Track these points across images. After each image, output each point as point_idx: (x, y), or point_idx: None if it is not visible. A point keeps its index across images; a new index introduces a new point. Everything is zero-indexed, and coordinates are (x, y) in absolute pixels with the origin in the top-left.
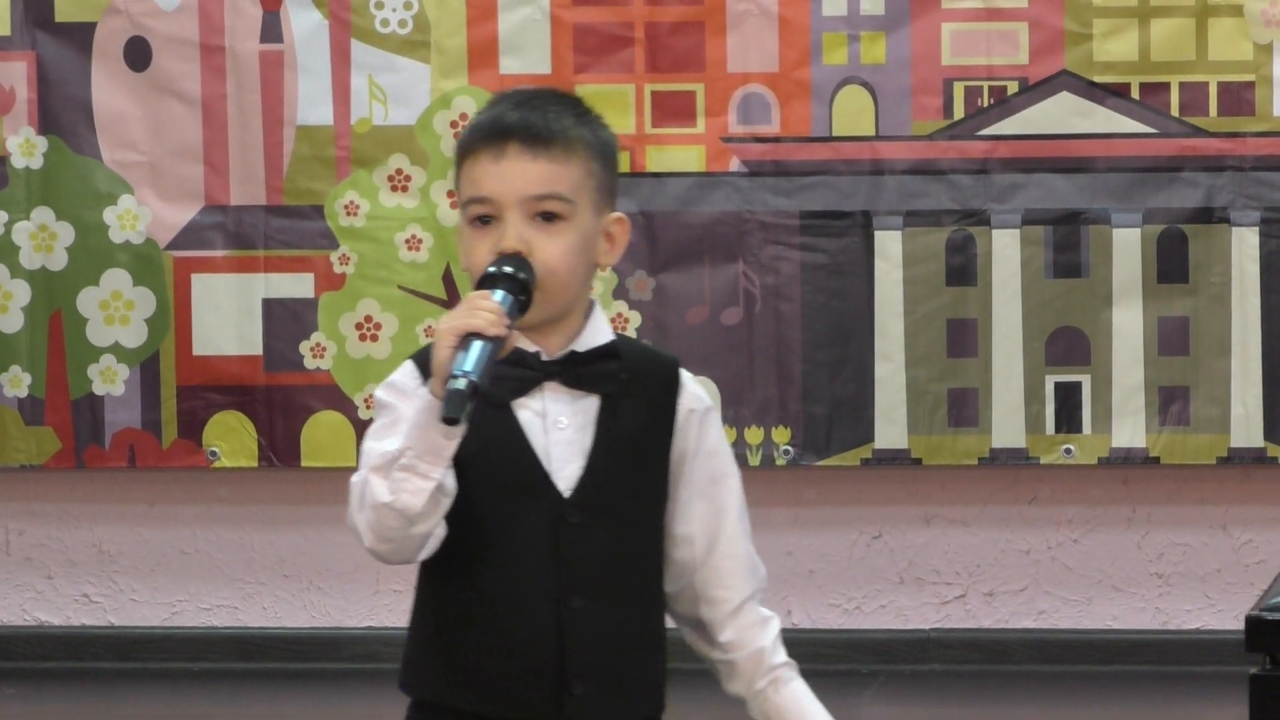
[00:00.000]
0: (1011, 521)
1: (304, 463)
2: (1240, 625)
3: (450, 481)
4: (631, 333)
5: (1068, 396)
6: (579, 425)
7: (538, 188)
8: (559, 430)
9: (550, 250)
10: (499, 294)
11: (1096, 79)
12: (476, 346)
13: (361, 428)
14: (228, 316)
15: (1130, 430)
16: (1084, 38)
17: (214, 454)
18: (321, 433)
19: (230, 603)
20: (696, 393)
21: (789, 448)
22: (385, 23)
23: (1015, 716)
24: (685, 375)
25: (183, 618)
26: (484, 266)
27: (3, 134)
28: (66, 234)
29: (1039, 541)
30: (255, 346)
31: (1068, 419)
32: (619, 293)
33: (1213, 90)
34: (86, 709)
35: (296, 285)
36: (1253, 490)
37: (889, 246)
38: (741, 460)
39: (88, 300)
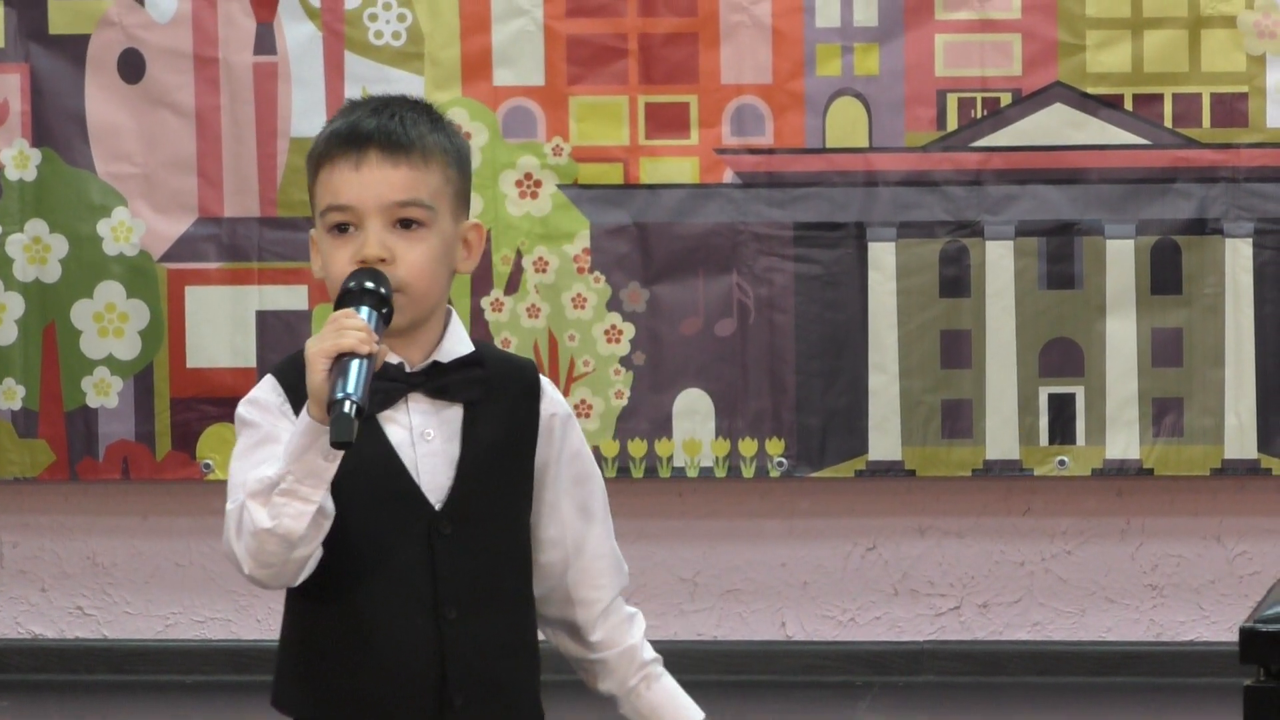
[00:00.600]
0: (1005, 533)
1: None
2: (1234, 637)
3: (329, 504)
4: (626, 345)
5: (1061, 408)
6: (446, 436)
7: (399, 194)
8: (427, 442)
9: (412, 257)
10: (364, 311)
11: (1090, 90)
12: (354, 366)
13: None
14: (222, 329)
15: (1124, 441)
16: (1077, 49)
17: (208, 466)
18: None
19: (224, 615)
20: (555, 397)
21: (783, 459)
22: (379, 35)
23: None
24: (545, 381)
25: (177, 630)
26: (344, 275)
27: None
28: (60, 246)
29: (1033, 553)
30: (249, 359)
31: (1061, 430)
32: (613, 304)
33: (1206, 101)
34: None
35: (290, 297)
36: (1247, 502)
37: (883, 258)
38: (735, 472)
39: (81, 312)
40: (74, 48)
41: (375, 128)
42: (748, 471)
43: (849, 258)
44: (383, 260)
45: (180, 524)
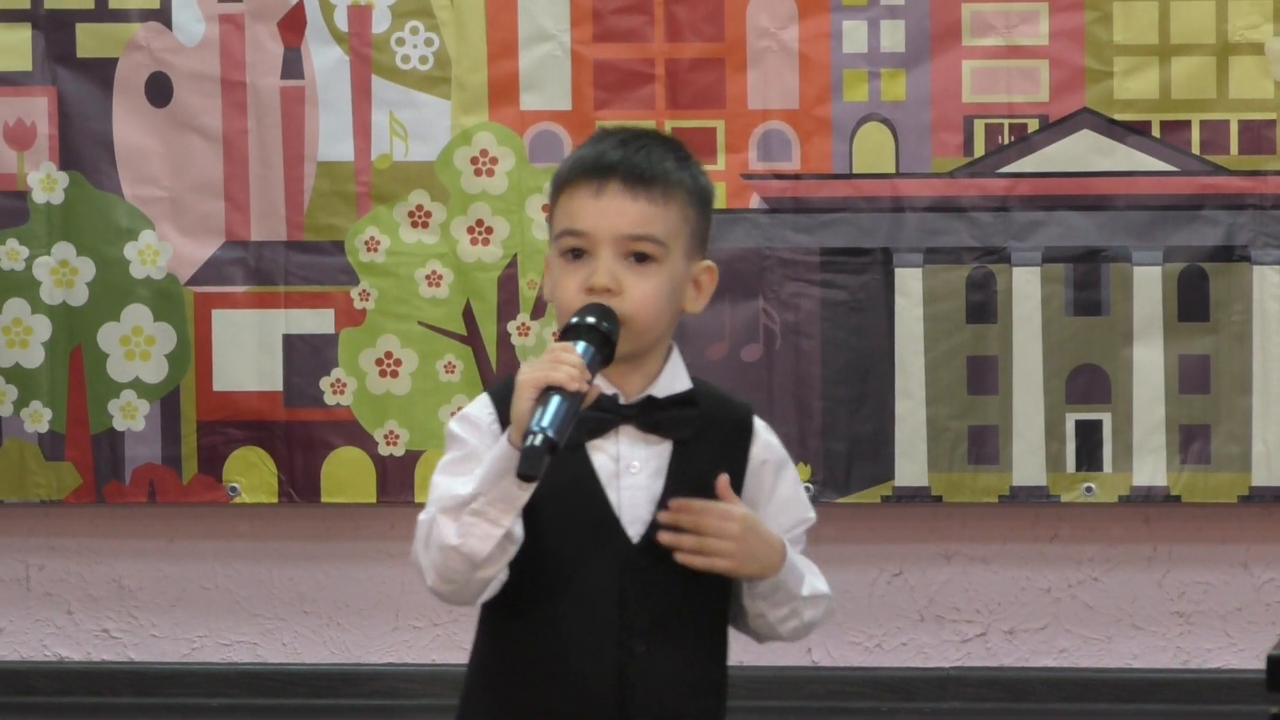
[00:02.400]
0: (1032, 559)
1: (324, 498)
2: (1262, 664)
3: (518, 529)
4: None
5: (1088, 434)
6: (651, 470)
7: (634, 227)
8: (631, 475)
9: (640, 290)
10: (581, 346)
11: (1117, 117)
12: (555, 402)
13: (381, 464)
14: (248, 352)
15: (1151, 468)
16: (1104, 75)
17: (234, 490)
18: (341, 469)
19: (250, 638)
20: (769, 441)
21: (809, 485)
22: (406, 59)
23: None
24: (759, 424)
25: (202, 653)
26: (572, 300)
27: (24, 169)
28: (87, 269)
29: (1059, 579)
30: (275, 382)
31: (1088, 457)
32: None
33: (1234, 128)
34: None
35: (317, 321)
36: (1274, 529)
37: (909, 283)
38: None
39: (108, 335)
40: (101, 71)
41: (620, 159)
42: None
43: (875, 283)
44: (609, 290)
45: (206, 547)
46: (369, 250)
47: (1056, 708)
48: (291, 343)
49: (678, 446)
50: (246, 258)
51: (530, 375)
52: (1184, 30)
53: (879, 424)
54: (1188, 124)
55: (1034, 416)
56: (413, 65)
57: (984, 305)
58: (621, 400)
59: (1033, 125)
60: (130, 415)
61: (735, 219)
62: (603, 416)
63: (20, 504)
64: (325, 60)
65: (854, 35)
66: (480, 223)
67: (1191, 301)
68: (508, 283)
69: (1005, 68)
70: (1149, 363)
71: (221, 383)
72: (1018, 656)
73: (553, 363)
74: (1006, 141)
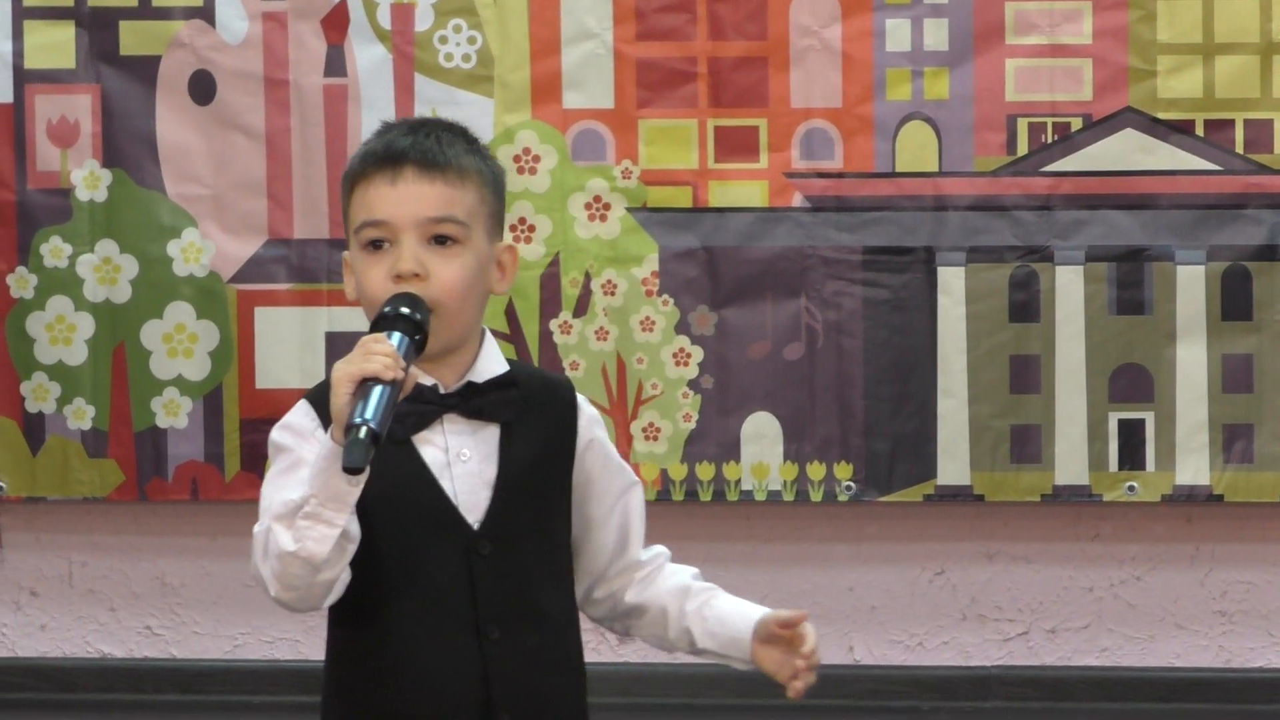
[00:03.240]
0: (1074, 558)
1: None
2: None
3: (354, 527)
4: (694, 368)
5: (1131, 433)
6: (482, 456)
7: (434, 210)
8: (463, 463)
9: (447, 274)
10: (395, 337)
11: (1160, 116)
12: (375, 392)
13: None
14: (291, 350)
15: (1194, 467)
16: (1148, 74)
17: None
18: None
19: (292, 636)
20: (592, 414)
21: (851, 484)
22: (449, 57)
23: None
24: (580, 398)
25: (245, 651)
26: (378, 291)
27: (67, 167)
28: (130, 267)
29: (1102, 579)
30: (318, 379)
31: (1131, 456)
32: (681, 327)
33: (1278, 127)
34: None
35: (359, 318)
36: None
37: (952, 282)
38: (803, 496)
39: (151, 333)
40: (145, 69)
41: (411, 145)
42: (816, 495)
43: (918, 282)
44: (416, 275)
45: (248, 545)
46: None
47: (1098, 707)
48: (334, 340)
49: (505, 429)
50: (289, 255)
51: (344, 370)
52: (1228, 29)
53: (921, 423)
54: (1231, 123)
55: (1076, 415)
56: (455, 63)
57: (1027, 304)
58: (441, 390)
59: (1076, 124)
60: (173, 413)
61: (778, 218)
62: (425, 409)
63: (63, 501)
64: (368, 58)
65: (897, 34)
66: (522, 221)
67: (1235, 301)
68: (550, 281)
69: (1049, 66)
70: (1192, 362)
71: (264, 380)
72: (1060, 656)
73: (365, 355)
74: (1050, 140)
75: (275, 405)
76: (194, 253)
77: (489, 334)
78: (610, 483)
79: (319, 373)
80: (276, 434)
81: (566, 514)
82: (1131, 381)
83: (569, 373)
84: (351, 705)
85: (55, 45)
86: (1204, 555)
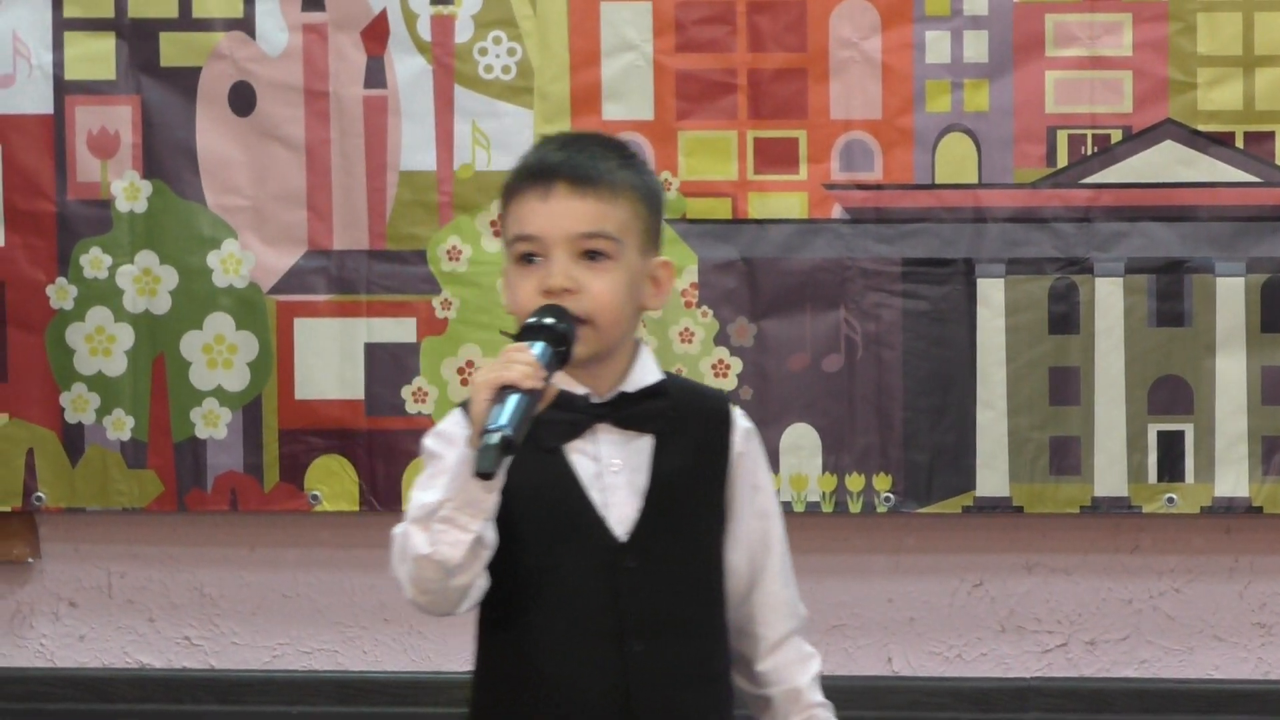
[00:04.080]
0: (1113, 570)
1: (405, 507)
2: None
3: (490, 534)
4: (733, 379)
5: (1170, 445)
6: (633, 466)
7: (585, 225)
8: (613, 474)
9: (598, 288)
10: (537, 347)
11: (1200, 128)
12: (512, 400)
13: None
14: (330, 361)
15: (1233, 479)
16: (1188, 86)
17: (315, 498)
18: None
19: (331, 646)
20: (747, 428)
21: (890, 495)
22: (489, 69)
23: None
24: (736, 411)
25: (283, 661)
26: (529, 304)
27: (107, 178)
28: (170, 278)
29: (1141, 590)
30: (357, 390)
31: (1170, 468)
32: (720, 339)
33: None
34: None
35: (399, 330)
36: None
37: (991, 294)
38: (842, 507)
39: (190, 344)
40: (185, 80)
41: (563, 160)
42: (854, 507)
43: (957, 294)
44: (567, 290)
45: (288, 555)
46: (451, 259)
47: (1137, 718)
48: (373, 351)
49: (658, 441)
50: (329, 267)
51: (484, 377)
52: (1269, 41)
53: (960, 434)
54: (1272, 135)
55: (1116, 427)
56: (495, 75)
57: (1066, 316)
58: (594, 399)
59: (1116, 136)
60: (212, 423)
61: (817, 229)
62: (577, 417)
63: (102, 511)
64: (408, 70)
65: (937, 46)
66: None
67: (1275, 312)
68: None
69: (1088, 79)
70: (1231, 374)
71: (303, 391)
72: (1099, 667)
73: (505, 362)
74: (1089, 152)
75: (315, 416)
76: (233, 264)
77: (644, 345)
78: (749, 500)
79: (359, 384)
80: (428, 440)
81: (719, 529)
82: (1171, 393)
83: None
84: (495, 708)
85: (96, 56)
86: (1243, 567)
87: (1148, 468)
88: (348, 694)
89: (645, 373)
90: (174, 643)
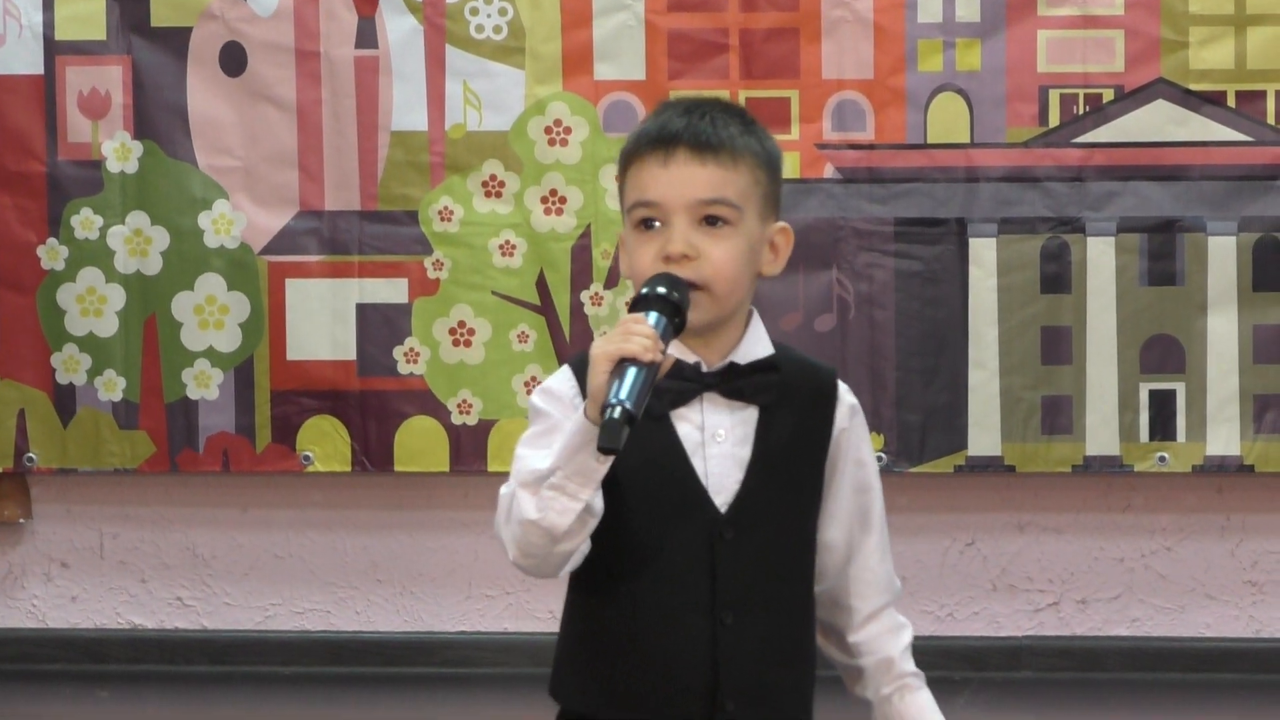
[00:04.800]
0: (1105, 529)
1: (397, 467)
2: None
3: (598, 503)
4: None
5: (1162, 404)
6: (738, 438)
7: (705, 192)
8: (717, 443)
9: (717, 255)
10: (653, 317)
11: (1192, 87)
12: (631, 374)
13: (454, 433)
14: (322, 321)
15: (1225, 438)
16: (1180, 45)
17: (307, 458)
18: (414, 438)
19: (323, 607)
20: (852, 404)
21: (882, 454)
22: (480, 29)
23: None
24: (842, 387)
25: (275, 622)
26: (649, 270)
27: (98, 138)
28: (161, 238)
29: (1132, 549)
30: (349, 351)
31: (1162, 427)
32: None
33: None
34: (179, 712)
35: (390, 290)
36: None
37: (983, 254)
38: None
39: (182, 305)
40: (176, 41)
41: (684, 127)
42: None
43: (950, 254)
44: (686, 257)
45: (280, 516)
46: (443, 220)
47: (1129, 677)
48: (365, 312)
49: (763, 413)
50: (320, 227)
51: (604, 348)
52: (1260, 0)
53: (953, 394)
54: (1263, 94)
55: (1108, 387)
56: (487, 35)
57: (1058, 276)
58: (704, 368)
59: (1108, 95)
60: (204, 384)
61: (809, 189)
62: (685, 385)
63: (94, 472)
64: (399, 30)
65: (929, 5)
66: (554, 193)
67: (1266, 271)
68: (581, 253)
69: (1081, 38)
70: (1223, 333)
71: (295, 352)
72: (1090, 626)
73: (625, 334)
74: (1081, 112)
75: (306, 377)
76: (225, 224)
77: (757, 315)
78: (849, 476)
79: (350, 344)
80: (537, 397)
81: (816, 504)
82: (1163, 352)
83: None
84: (581, 668)
85: (86, 16)
86: (1235, 526)
87: (1139, 427)
88: (340, 654)
89: (757, 344)
90: (166, 603)
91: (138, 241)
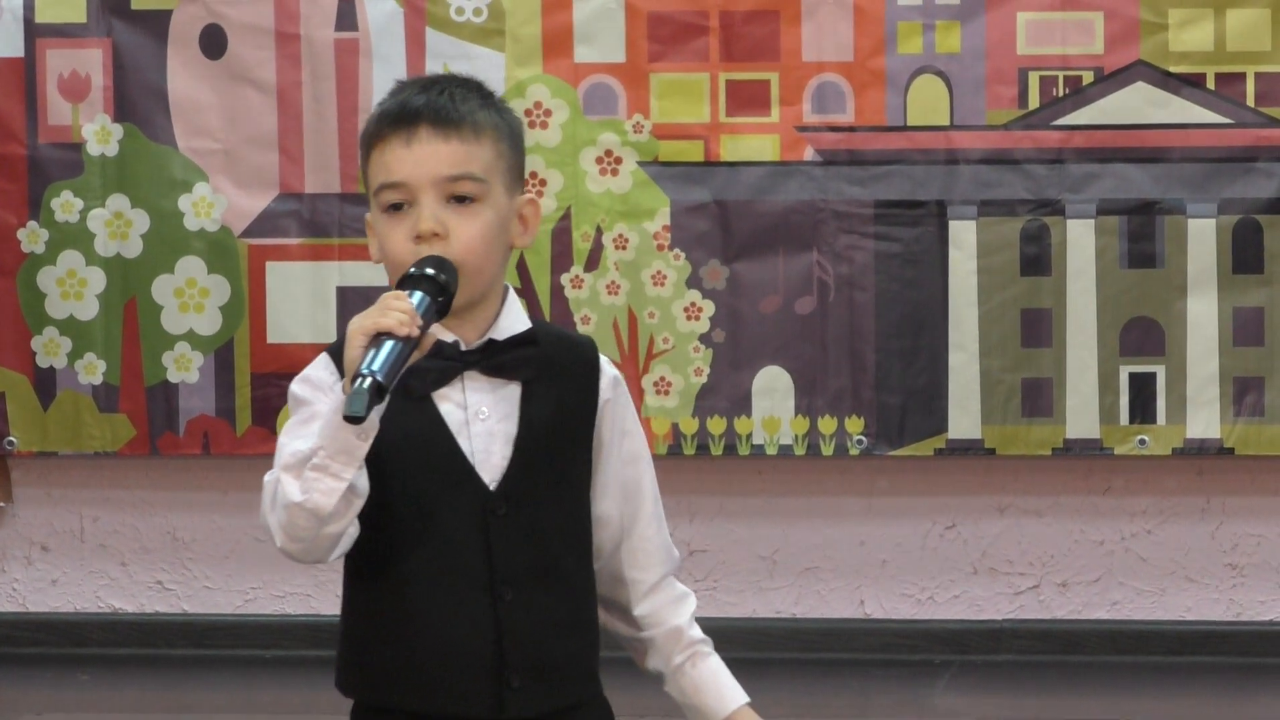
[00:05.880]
0: (1085, 512)
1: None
2: None
3: (362, 482)
4: (705, 323)
5: (1142, 387)
6: (501, 414)
7: (451, 168)
8: (481, 421)
9: (467, 232)
10: (416, 295)
11: (1172, 69)
12: (387, 346)
13: None
14: (302, 304)
15: (1205, 421)
16: (1159, 27)
17: None
18: None
19: (304, 590)
20: (614, 374)
21: (862, 437)
22: (460, 11)
23: (1088, 707)
24: (603, 359)
25: (256, 605)
26: (400, 252)
27: (79, 121)
28: (141, 221)
29: (1112, 532)
30: (330, 334)
31: (1142, 409)
32: (692, 281)
33: None
34: (160, 696)
35: (371, 273)
36: None
37: (963, 236)
38: (814, 450)
39: (162, 287)
40: (156, 23)
41: (425, 104)
42: (827, 449)
43: (929, 236)
44: (436, 235)
45: (260, 499)
46: None
47: (1109, 660)
48: (345, 295)
49: (526, 388)
50: (300, 210)
51: (359, 323)
52: None
53: (932, 377)
54: (1243, 76)
55: (1088, 369)
56: (466, 17)
57: (1038, 258)
58: (463, 347)
59: (1087, 78)
60: (184, 367)
61: (789, 171)
62: (446, 365)
63: (74, 456)
64: (379, 12)
65: None
66: (534, 175)
67: (1246, 253)
68: (561, 235)
69: (1060, 20)
70: (1203, 315)
71: (275, 335)
72: (1071, 609)
73: (382, 309)
74: (1061, 94)
75: (287, 359)
76: (205, 207)
77: (512, 291)
78: (617, 447)
79: (330, 327)
80: (295, 386)
81: (587, 476)
82: (1142, 335)
83: (580, 327)
84: (365, 658)
85: None
86: (1215, 508)
87: (1119, 409)
88: (321, 637)
89: (514, 320)
90: (146, 587)
91: (118, 224)
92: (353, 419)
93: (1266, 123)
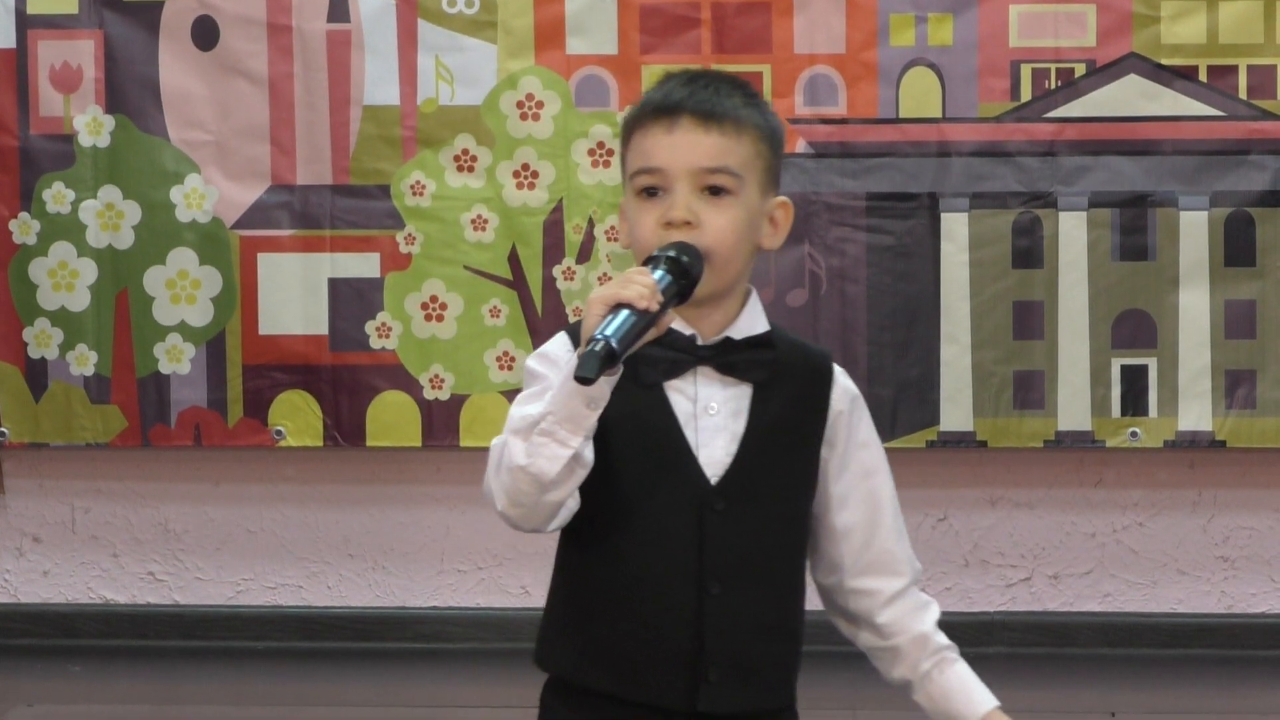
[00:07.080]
0: (1077, 504)
1: (369, 442)
2: None
3: (588, 453)
4: None
5: (1134, 379)
6: (730, 412)
7: (708, 160)
8: (710, 415)
9: (717, 223)
10: (658, 273)
11: (1164, 61)
12: (623, 315)
13: (427, 408)
14: (294, 296)
15: (1196, 413)
16: (1152, 20)
17: (279, 433)
18: (386, 412)
19: (295, 582)
20: (847, 386)
21: None
22: (452, 3)
23: (1079, 699)
24: (838, 370)
25: (248, 596)
26: (649, 237)
27: (70, 112)
28: (133, 213)
29: (1104, 524)
30: (321, 326)
31: (1134, 402)
32: None
33: None
34: (151, 687)
35: (362, 265)
36: None
37: (955, 228)
38: None
39: (154, 279)
40: (148, 14)
41: (689, 95)
42: None
43: (921, 228)
44: (688, 223)
45: (252, 490)
46: (415, 194)
47: (1101, 652)
48: (337, 286)
49: (757, 390)
50: (292, 201)
51: (600, 293)
52: None
53: (924, 369)
54: (1235, 68)
55: (1080, 362)
56: (459, 9)
57: (1030, 250)
58: (699, 341)
59: (1080, 70)
60: (176, 359)
61: (781, 163)
62: (679, 357)
63: (66, 447)
64: (371, 4)
65: None
66: (526, 167)
67: (1238, 246)
68: (553, 227)
69: (1052, 12)
70: (1195, 308)
71: (267, 326)
72: (1062, 601)
73: (625, 282)
74: (1053, 86)
75: (278, 351)
76: (197, 199)
77: (755, 294)
78: (855, 460)
79: (322, 319)
80: (531, 360)
81: (810, 484)
82: (1134, 327)
83: (572, 319)
84: (567, 635)
85: None
86: (1206, 501)
87: (1111, 402)
88: (312, 629)
89: (753, 321)
90: (138, 578)
91: (110, 215)
92: (583, 380)
93: (1259, 115)
